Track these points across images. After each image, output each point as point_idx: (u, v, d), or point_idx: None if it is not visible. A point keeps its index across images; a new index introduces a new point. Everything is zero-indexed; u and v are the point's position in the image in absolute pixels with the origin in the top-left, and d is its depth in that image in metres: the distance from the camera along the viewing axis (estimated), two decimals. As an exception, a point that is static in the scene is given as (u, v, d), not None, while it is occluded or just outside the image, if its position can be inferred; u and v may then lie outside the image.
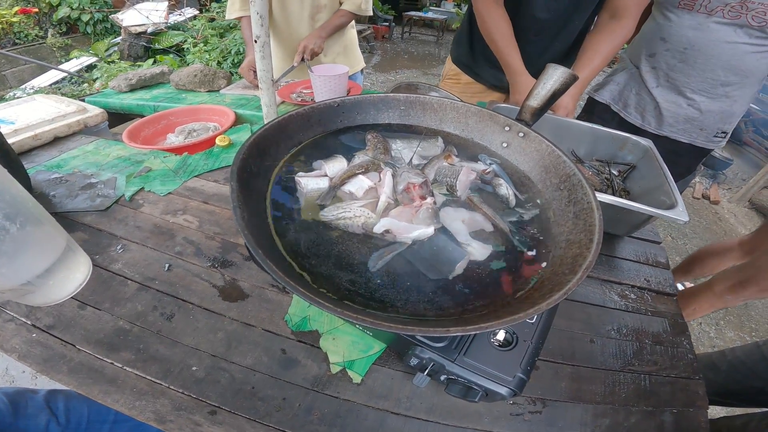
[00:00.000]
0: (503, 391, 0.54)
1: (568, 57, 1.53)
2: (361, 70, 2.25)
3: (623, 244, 1.11)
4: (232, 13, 1.86)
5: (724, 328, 2.69)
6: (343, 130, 0.79)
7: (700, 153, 1.57)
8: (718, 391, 1.35)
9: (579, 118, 1.60)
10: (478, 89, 1.76)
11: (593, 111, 1.73)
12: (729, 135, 1.53)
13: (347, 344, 0.73)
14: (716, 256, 1.80)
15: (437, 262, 0.56)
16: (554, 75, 0.76)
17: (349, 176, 0.66)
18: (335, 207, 0.62)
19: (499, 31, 1.37)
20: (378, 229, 0.57)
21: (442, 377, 0.58)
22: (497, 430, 0.65)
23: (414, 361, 0.59)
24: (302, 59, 1.63)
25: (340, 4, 1.87)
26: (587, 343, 0.82)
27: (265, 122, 0.68)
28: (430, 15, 9.74)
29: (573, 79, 0.77)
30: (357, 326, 0.70)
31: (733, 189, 4.44)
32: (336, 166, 0.68)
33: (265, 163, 0.64)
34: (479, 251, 0.60)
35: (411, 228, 0.57)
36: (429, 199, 0.64)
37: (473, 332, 0.38)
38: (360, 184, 0.65)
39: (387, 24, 9.07)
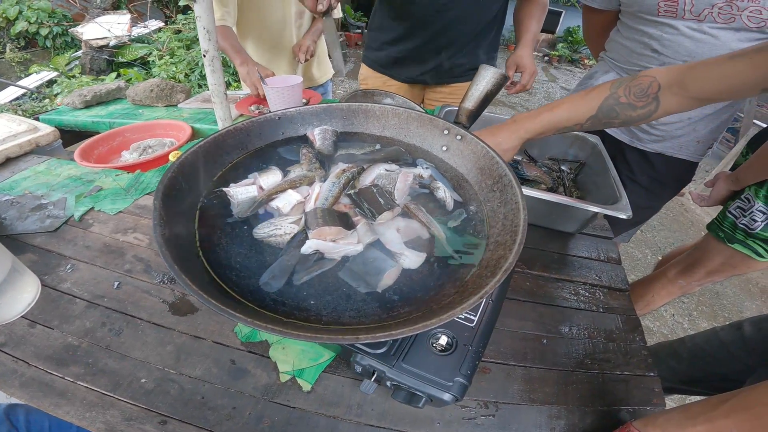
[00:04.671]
0: (444, 396, 0.55)
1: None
2: (332, 78, 2.29)
3: (574, 241, 1.14)
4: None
5: (698, 318, 2.74)
6: (284, 142, 0.81)
7: (692, 166, 1.44)
8: (683, 379, 1.39)
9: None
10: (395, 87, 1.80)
11: None
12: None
13: (297, 353, 0.74)
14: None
15: (366, 275, 0.57)
16: (486, 76, 0.79)
17: (277, 191, 0.67)
18: (267, 224, 0.62)
19: None
20: (306, 250, 0.58)
21: (389, 383, 0.59)
22: (450, 436, 0.67)
23: (358, 368, 0.60)
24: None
25: None
26: (539, 343, 0.83)
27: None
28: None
29: (504, 79, 0.80)
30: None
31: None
32: (271, 178, 0.69)
33: (199, 180, 0.65)
34: (412, 259, 0.61)
35: (338, 247, 0.58)
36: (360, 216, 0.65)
37: (384, 339, 0.39)
38: (288, 198, 0.65)
39: (359, 31, 9.07)
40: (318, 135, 0.81)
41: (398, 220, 0.67)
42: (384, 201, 0.68)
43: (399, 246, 0.63)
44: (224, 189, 0.66)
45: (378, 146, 0.83)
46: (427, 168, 0.77)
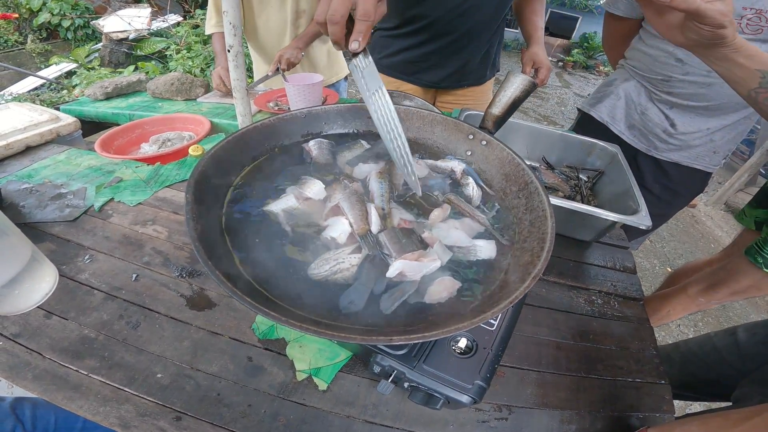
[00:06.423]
0: (462, 398, 0.55)
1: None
2: (345, 78, 2.27)
3: (591, 249, 1.13)
4: (209, 28, 1.86)
5: (703, 329, 2.73)
6: (309, 140, 0.80)
7: (707, 177, 1.45)
8: (674, 383, 1.37)
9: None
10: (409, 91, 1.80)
11: (588, 128, 1.56)
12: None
13: (314, 352, 0.73)
14: (696, 270, 1.81)
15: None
16: (515, 82, 0.79)
17: (364, 215, 0.65)
18: (323, 261, 0.58)
19: None
20: (392, 273, 0.56)
21: (406, 384, 0.59)
22: (463, 437, 0.66)
23: (377, 369, 0.60)
24: (278, 69, 1.64)
25: None
26: (553, 348, 0.83)
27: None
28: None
29: (532, 86, 0.79)
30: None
31: (710, 192, 4.54)
32: (314, 188, 0.68)
33: (227, 176, 0.65)
34: (487, 248, 0.63)
35: (422, 266, 0.57)
36: (426, 233, 0.64)
37: (417, 341, 0.39)
38: (342, 228, 0.63)
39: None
40: (314, 146, 0.79)
41: (451, 221, 0.68)
42: (428, 203, 0.69)
43: (468, 241, 0.63)
44: (265, 209, 0.65)
45: (364, 142, 0.83)
46: (460, 163, 0.78)
